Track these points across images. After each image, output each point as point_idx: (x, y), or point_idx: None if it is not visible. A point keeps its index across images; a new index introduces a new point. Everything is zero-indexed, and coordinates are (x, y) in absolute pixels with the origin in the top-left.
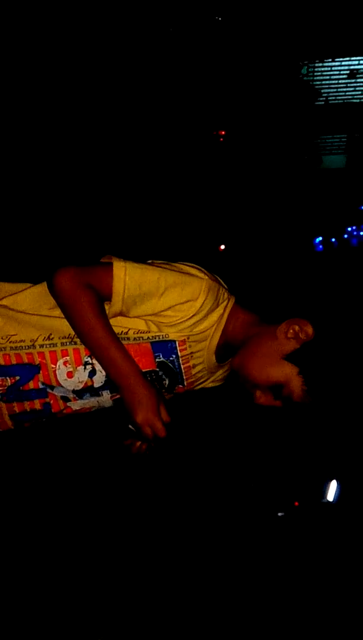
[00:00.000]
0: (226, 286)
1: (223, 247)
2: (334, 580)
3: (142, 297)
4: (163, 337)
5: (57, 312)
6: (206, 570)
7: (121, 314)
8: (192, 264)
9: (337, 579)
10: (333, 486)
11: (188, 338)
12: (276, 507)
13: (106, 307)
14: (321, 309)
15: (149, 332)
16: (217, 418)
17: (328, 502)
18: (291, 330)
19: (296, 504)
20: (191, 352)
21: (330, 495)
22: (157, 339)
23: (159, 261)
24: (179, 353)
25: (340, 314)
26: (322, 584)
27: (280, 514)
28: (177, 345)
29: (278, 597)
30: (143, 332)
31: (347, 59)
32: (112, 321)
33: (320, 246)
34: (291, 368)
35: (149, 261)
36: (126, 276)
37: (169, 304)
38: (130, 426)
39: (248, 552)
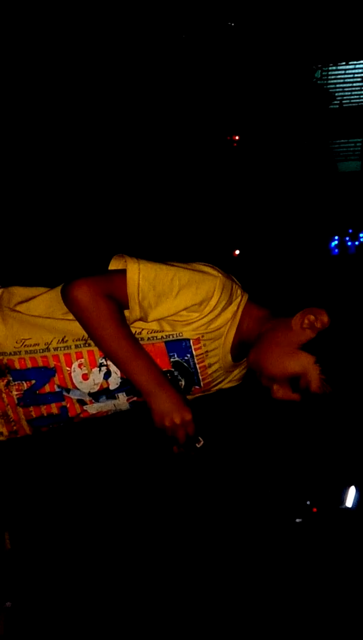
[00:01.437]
0: (239, 283)
1: (237, 252)
2: (353, 587)
3: (157, 298)
4: (176, 336)
5: (71, 315)
6: (223, 577)
7: (141, 319)
8: (205, 263)
9: (356, 585)
10: (352, 492)
11: (203, 336)
12: (294, 514)
13: (126, 314)
14: (335, 299)
15: (162, 331)
16: (234, 422)
17: (347, 508)
18: (306, 320)
19: (315, 510)
20: (206, 351)
21: (349, 501)
22: (171, 338)
23: (173, 262)
24: (194, 352)
25: (355, 301)
26: (340, 590)
27: (297, 520)
28: (191, 344)
29: (297, 604)
30: (157, 332)
31: (361, 62)
32: None
33: (336, 250)
34: (307, 358)
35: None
36: (140, 279)
37: (184, 305)
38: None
39: (266, 558)
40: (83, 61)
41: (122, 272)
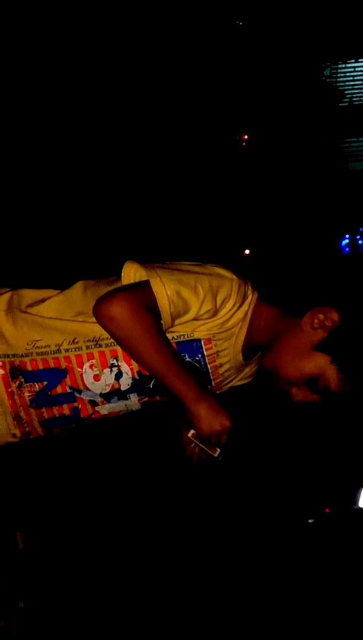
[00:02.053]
0: (249, 282)
1: (247, 251)
2: None
3: (185, 306)
4: (188, 337)
5: (81, 317)
6: (236, 577)
7: (166, 330)
8: (216, 264)
9: None
10: None
11: (214, 337)
12: (307, 514)
13: None
14: (342, 296)
15: (174, 332)
16: (247, 422)
17: (360, 508)
18: (316, 320)
19: (327, 510)
20: (217, 351)
21: (362, 501)
22: (182, 338)
23: (186, 262)
24: (205, 352)
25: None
26: (354, 590)
27: (310, 520)
28: (203, 344)
29: (310, 604)
30: (168, 333)
31: None
32: None
33: (347, 249)
34: (323, 358)
35: (170, 263)
36: (167, 290)
37: (207, 309)
38: (190, 436)
39: (278, 558)
40: (93, 62)
41: (147, 284)
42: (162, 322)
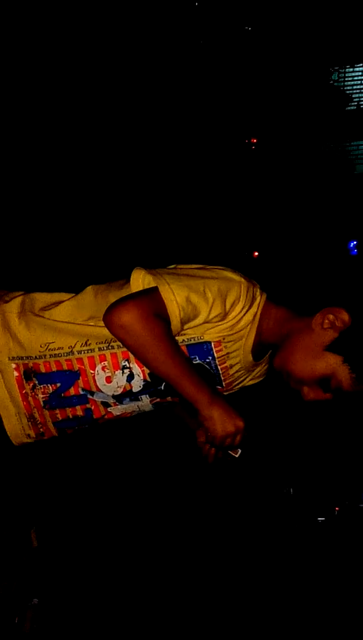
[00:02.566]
0: (258, 284)
1: (256, 253)
2: None
3: (194, 311)
4: (198, 339)
5: (92, 322)
6: (245, 575)
7: (177, 334)
8: (224, 267)
9: None
10: None
11: (224, 339)
12: (316, 513)
13: None
14: (353, 296)
15: (184, 334)
16: (256, 420)
17: None
18: (326, 320)
19: (337, 509)
20: (227, 353)
21: None
22: (192, 341)
23: (194, 265)
24: (215, 354)
25: None
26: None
27: (320, 519)
28: (213, 346)
29: (320, 603)
30: (178, 335)
31: None
32: None
33: (355, 250)
34: (334, 358)
35: (178, 266)
36: (176, 296)
37: (216, 313)
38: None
39: (288, 557)
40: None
41: (156, 291)
42: (172, 327)
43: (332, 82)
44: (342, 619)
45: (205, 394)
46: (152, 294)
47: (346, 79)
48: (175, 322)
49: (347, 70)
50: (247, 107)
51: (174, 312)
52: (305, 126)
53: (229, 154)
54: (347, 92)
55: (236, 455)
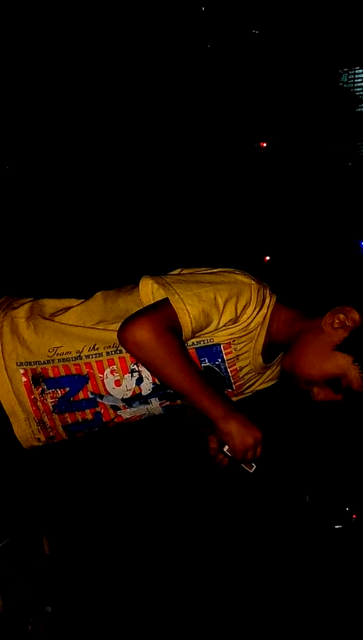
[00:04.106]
0: (268, 285)
1: (268, 258)
2: None
3: (206, 319)
4: (207, 342)
5: (101, 325)
6: (262, 582)
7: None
8: (233, 269)
9: None
10: None
11: (234, 341)
12: (334, 520)
13: None
14: (361, 295)
15: (194, 338)
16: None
17: None
18: (336, 320)
19: (354, 516)
20: (237, 355)
21: None
22: (202, 344)
23: (201, 269)
24: (224, 356)
25: None
26: None
27: (337, 526)
28: (222, 348)
29: (337, 610)
30: (188, 339)
31: None
32: None
33: None
34: (344, 358)
35: (183, 270)
36: (187, 306)
37: (229, 317)
38: (226, 450)
39: (305, 564)
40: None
41: (167, 302)
42: (183, 336)
43: (341, 83)
44: (360, 626)
45: (221, 407)
46: (163, 307)
47: (356, 80)
48: (187, 332)
49: (356, 71)
50: (256, 110)
51: (186, 322)
52: (315, 128)
53: (238, 158)
54: (357, 93)
55: (251, 471)
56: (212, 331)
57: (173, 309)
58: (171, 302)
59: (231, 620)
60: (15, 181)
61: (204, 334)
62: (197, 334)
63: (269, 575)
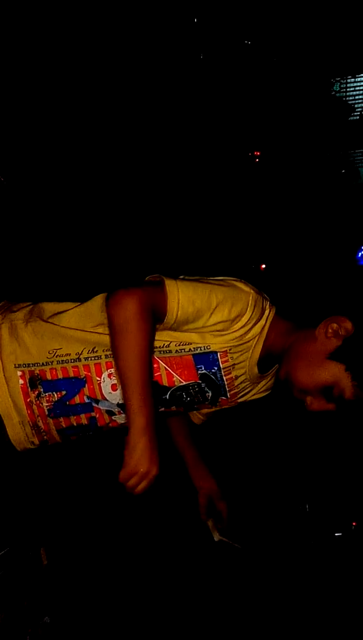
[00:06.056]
0: (268, 297)
1: (264, 266)
2: None
3: (195, 314)
4: (204, 349)
5: (100, 329)
6: (261, 590)
7: (170, 328)
8: (235, 278)
9: None
10: None
11: (230, 349)
12: (333, 527)
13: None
14: (356, 305)
15: (191, 343)
16: (271, 434)
17: None
18: (330, 329)
19: (354, 524)
20: (233, 364)
21: None
22: (199, 350)
23: (207, 278)
24: (221, 364)
25: None
26: None
27: (337, 534)
28: (219, 356)
29: (337, 618)
30: (185, 344)
31: None
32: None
33: None
34: (337, 366)
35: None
36: (180, 293)
37: (220, 319)
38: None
39: (305, 572)
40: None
41: (161, 286)
42: (164, 321)
43: (333, 92)
44: (361, 633)
45: (145, 415)
46: (157, 287)
47: (348, 89)
48: (170, 317)
49: (348, 80)
50: (249, 120)
51: (173, 308)
52: (308, 137)
53: (233, 168)
54: (349, 102)
55: (215, 540)
56: (200, 328)
57: (165, 296)
58: (166, 285)
59: (231, 630)
60: (14, 187)
61: (200, 336)
62: (184, 328)
63: (269, 583)
